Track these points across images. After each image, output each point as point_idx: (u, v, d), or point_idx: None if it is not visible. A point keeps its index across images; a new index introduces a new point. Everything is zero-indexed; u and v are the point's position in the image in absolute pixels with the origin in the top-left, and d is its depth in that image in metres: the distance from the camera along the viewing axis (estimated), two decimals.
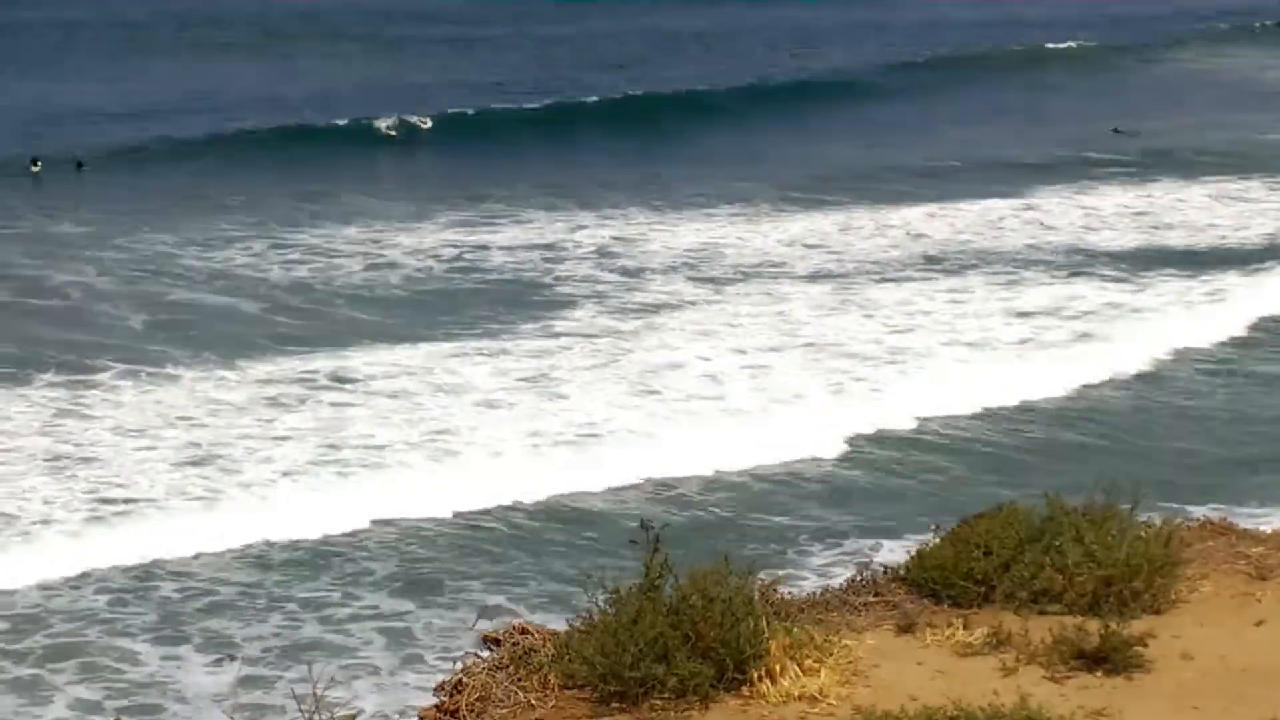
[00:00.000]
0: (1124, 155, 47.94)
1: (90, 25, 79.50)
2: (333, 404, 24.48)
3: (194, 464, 21.93)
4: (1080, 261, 34.17)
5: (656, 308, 30.28)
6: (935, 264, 33.75)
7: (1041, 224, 38.21)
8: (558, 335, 27.99)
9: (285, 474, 21.74)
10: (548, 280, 32.18)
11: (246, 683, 16.14)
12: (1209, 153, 48.18)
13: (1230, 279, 32.94)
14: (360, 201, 39.89)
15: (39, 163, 42.16)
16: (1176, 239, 36.72)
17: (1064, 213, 39.39)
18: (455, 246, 35.05)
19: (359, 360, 26.29)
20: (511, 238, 35.96)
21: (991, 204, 40.14)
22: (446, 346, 27.19)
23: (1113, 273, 33.41)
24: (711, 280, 32.15)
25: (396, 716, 14.33)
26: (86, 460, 21.93)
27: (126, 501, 20.67)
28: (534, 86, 60.44)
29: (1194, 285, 32.52)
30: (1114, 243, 36.34)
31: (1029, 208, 39.89)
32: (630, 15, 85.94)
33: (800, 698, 10.13)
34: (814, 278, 32.53)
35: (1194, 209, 40.28)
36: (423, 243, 35.42)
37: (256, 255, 34.09)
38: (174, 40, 75.36)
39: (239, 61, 67.01)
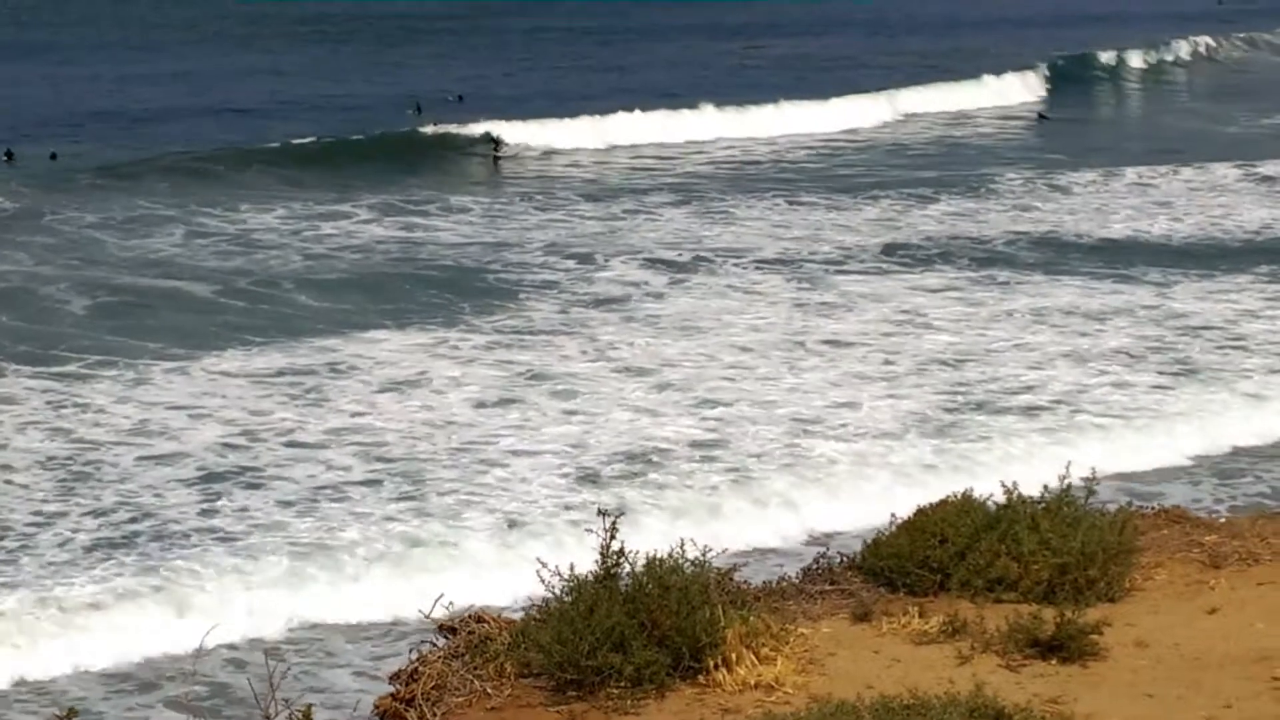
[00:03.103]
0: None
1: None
2: (342, 394, 22.78)
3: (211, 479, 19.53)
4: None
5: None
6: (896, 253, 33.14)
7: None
8: (532, 331, 26.75)
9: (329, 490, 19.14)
10: (498, 269, 31.52)
11: None
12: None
13: None
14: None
15: (11, 154, 42.67)
16: None
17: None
18: (391, 238, 34.43)
19: (347, 351, 25.27)
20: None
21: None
22: (420, 337, 26.37)
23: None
24: (663, 264, 31.63)
25: (352, 709, 14.18)
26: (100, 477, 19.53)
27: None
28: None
29: None
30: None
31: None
32: None
33: (756, 686, 10.14)
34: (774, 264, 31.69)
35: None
36: (355, 232, 34.95)
37: (179, 245, 33.53)
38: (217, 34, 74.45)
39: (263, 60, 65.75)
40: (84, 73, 60.64)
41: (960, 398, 22.64)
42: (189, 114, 51.37)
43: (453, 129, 46.80)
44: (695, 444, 20.73)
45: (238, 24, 78.19)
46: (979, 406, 22.24)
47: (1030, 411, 22.01)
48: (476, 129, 46.58)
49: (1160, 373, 23.94)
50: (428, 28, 78.71)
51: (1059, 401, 22.46)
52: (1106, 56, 66.05)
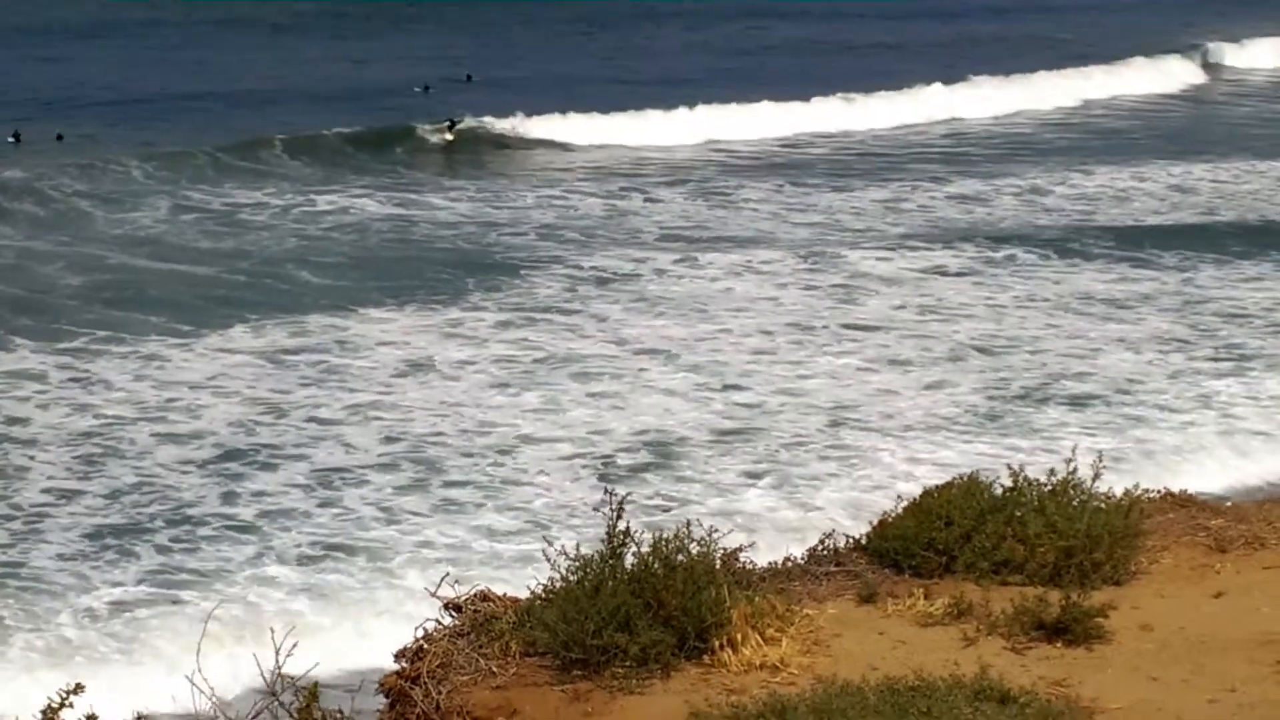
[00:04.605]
0: None
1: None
2: (355, 375, 22.74)
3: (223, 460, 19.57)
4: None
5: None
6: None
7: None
8: (539, 309, 26.31)
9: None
10: (499, 248, 31.38)
11: None
12: None
13: None
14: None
15: (19, 136, 42.74)
16: None
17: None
18: (387, 215, 34.37)
19: (354, 330, 24.90)
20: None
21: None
22: (428, 316, 26.26)
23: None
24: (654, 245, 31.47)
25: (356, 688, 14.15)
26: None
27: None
28: None
29: None
30: None
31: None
32: None
33: (761, 667, 10.14)
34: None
35: None
36: (349, 208, 34.91)
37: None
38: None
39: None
40: (93, 56, 60.52)
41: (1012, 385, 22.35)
42: (195, 98, 51.11)
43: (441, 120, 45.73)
44: (725, 432, 20.43)
45: (246, 8, 77.93)
46: (1028, 396, 21.94)
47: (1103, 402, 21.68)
48: (489, 119, 46.08)
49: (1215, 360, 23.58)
50: (435, 10, 78.53)
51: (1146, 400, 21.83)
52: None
